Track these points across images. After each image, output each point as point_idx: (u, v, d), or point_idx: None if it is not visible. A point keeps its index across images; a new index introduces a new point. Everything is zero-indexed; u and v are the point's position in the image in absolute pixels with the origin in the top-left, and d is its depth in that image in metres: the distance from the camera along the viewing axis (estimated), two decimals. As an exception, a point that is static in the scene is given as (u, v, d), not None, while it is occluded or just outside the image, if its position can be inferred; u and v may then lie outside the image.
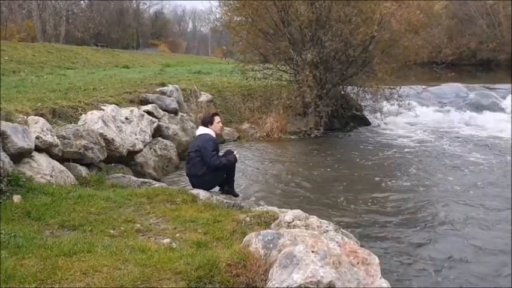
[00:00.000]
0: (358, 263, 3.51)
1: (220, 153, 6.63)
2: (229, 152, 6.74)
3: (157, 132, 9.89)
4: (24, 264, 3.46)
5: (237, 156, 6.59)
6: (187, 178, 6.91)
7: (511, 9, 36.63)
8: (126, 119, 8.73)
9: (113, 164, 7.86)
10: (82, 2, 49.58)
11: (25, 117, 6.74)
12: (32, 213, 4.58)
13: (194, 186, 6.43)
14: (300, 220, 4.77)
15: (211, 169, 6.28)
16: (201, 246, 4.14)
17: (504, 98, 17.97)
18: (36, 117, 6.79)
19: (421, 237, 6.06)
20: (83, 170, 6.88)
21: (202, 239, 4.38)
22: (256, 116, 14.06)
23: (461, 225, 6.46)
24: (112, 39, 54.96)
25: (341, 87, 15.44)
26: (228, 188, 6.63)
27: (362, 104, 16.37)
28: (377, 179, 8.93)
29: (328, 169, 9.76)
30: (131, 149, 8.20)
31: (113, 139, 7.69)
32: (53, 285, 3.23)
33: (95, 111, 8.13)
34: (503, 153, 11.10)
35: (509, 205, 7.19)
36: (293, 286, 3.21)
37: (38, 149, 6.14)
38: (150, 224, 4.82)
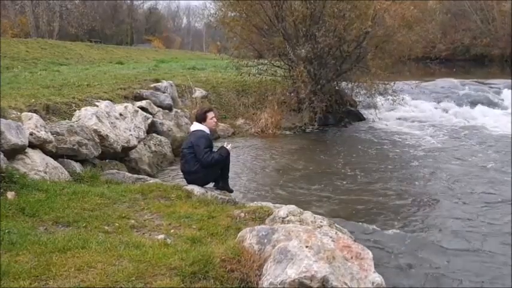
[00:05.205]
0: (351, 257, 3.53)
1: (215, 149, 6.62)
2: (222, 148, 6.71)
3: (152, 128, 9.88)
4: (19, 261, 3.46)
5: (229, 148, 6.54)
6: (181, 174, 6.90)
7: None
8: (120, 115, 8.71)
9: (107, 160, 7.85)
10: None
11: (19, 113, 6.71)
12: (26, 210, 4.57)
13: (189, 182, 6.43)
14: (294, 215, 4.80)
15: (205, 166, 6.28)
16: (195, 242, 4.16)
17: (498, 93, 18.04)
18: (30, 113, 6.76)
19: (417, 233, 6.08)
20: (77, 166, 6.86)
21: (197, 234, 4.39)
22: (250, 111, 14.06)
23: (457, 221, 6.48)
24: (106, 35, 54.80)
25: (335, 82, 15.42)
26: (222, 183, 6.62)
27: (356, 99, 16.39)
28: (371, 173, 8.95)
29: (323, 165, 9.78)
30: (125, 145, 8.19)
31: (107, 135, 7.67)
32: (48, 282, 3.23)
33: (89, 108, 8.11)
34: (497, 147, 11.16)
35: (507, 203, 7.20)
36: (287, 281, 3.24)
37: (31, 145, 6.11)
38: (144, 220, 4.83)
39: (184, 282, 3.33)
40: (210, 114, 6.64)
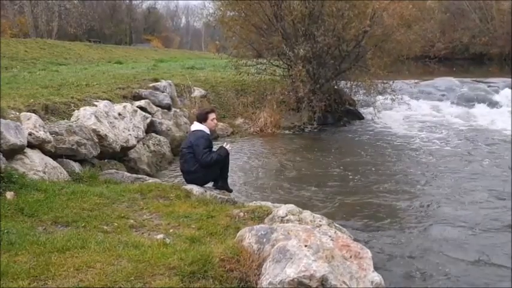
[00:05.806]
0: (350, 256, 3.53)
1: (215, 149, 6.62)
2: (221, 148, 6.71)
3: (151, 128, 9.87)
4: (18, 261, 3.46)
5: (228, 148, 6.54)
6: (181, 174, 6.90)
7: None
8: (119, 114, 8.70)
9: (106, 160, 7.84)
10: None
11: (17, 113, 6.71)
12: (25, 210, 4.57)
13: (188, 182, 6.43)
14: (293, 215, 4.80)
15: (204, 166, 6.27)
16: (194, 242, 4.15)
17: (497, 92, 18.03)
18: (29, 113, 6.75)
19: (416, 232, 6.08)
20: (76, 166, 6.86)
21: (196, 234, 4.39)
22: (249, 111, 14.05)
23: (457, 221, 6.47)
24: (105, 34, 54.83)
25: (334, 82, 15.43)
26: (221, 183, 6.62)
27: (355, 98, 16.40)
28: (370, 173, 8.95)
29: (322, 164, 9.78)
30: (124, 144, 8.18)
31: (106, 135, 7.66)
32: (46, 282, 3.23)
33: (87, 107, 8.10)
34: (497, 147, 11.15)
35: (504, 202, 7.19)
36: (286, 280, 3.23)
37: (30, 145, 6.11)
38: (143, 220, 4.82)
39: (183, 282, 3.33)
40: (211, 115, 6.65)
